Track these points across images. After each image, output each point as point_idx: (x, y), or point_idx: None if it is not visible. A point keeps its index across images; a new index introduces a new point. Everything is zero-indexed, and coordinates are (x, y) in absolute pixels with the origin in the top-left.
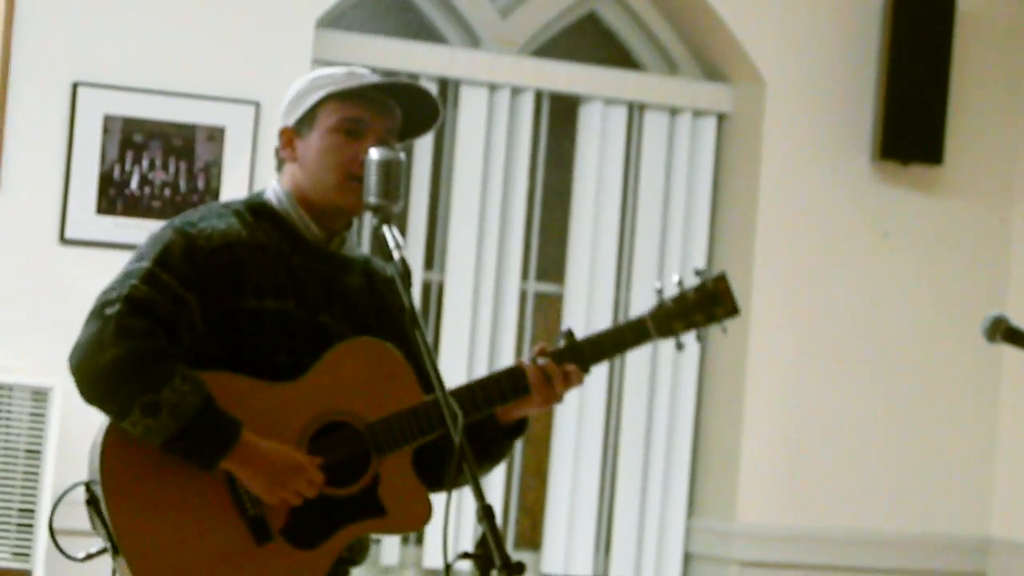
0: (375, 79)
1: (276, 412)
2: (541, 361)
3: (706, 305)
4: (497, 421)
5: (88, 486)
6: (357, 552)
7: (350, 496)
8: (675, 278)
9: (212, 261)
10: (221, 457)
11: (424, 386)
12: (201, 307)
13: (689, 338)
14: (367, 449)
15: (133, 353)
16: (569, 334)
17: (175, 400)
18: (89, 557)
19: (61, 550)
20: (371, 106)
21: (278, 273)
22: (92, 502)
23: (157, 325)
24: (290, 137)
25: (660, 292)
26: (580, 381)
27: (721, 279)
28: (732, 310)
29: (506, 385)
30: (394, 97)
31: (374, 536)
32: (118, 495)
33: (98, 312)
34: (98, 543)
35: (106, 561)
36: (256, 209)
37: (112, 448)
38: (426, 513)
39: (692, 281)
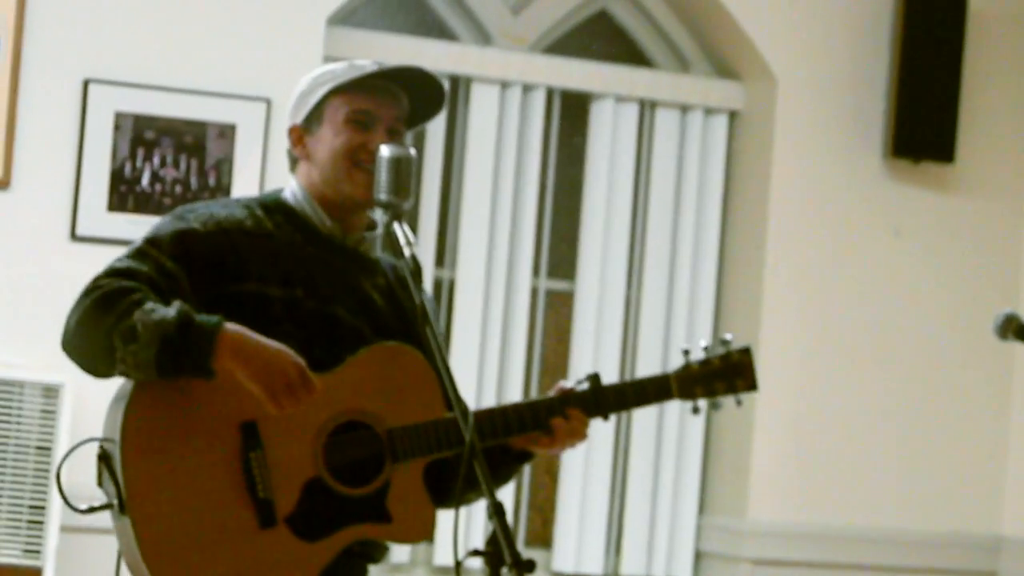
0: (376, 67)
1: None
2: (571, 415)
3: (728, 375)
4: (509, 446)
5: (102, 443)
6: (373, 548)
7: (358, 497)
8: (702, 343)
9: (205, 242)
10: (211, 352)
11: (447, 400)
12: (193, 287)
13: (704, 404)
14: (383, 453)
15: (99, 296)
16: (595, 378)
17: (147, 317)
18: (92, 510)
19: (68, 503)
20: (377, 96)
21: (284, 261)
22: (104, 458)
23: (136, 282)
24: (300, 135)
25: (687, 354)
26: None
27: (746, 352)
28: (751, 385)
29: (529, 421)
30: (398, 84)
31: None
32: (135, 454)
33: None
34: (101, 498)
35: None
36: (268, 205)
37: (137, 409)
38: (428, 528)
39: (718, 349)
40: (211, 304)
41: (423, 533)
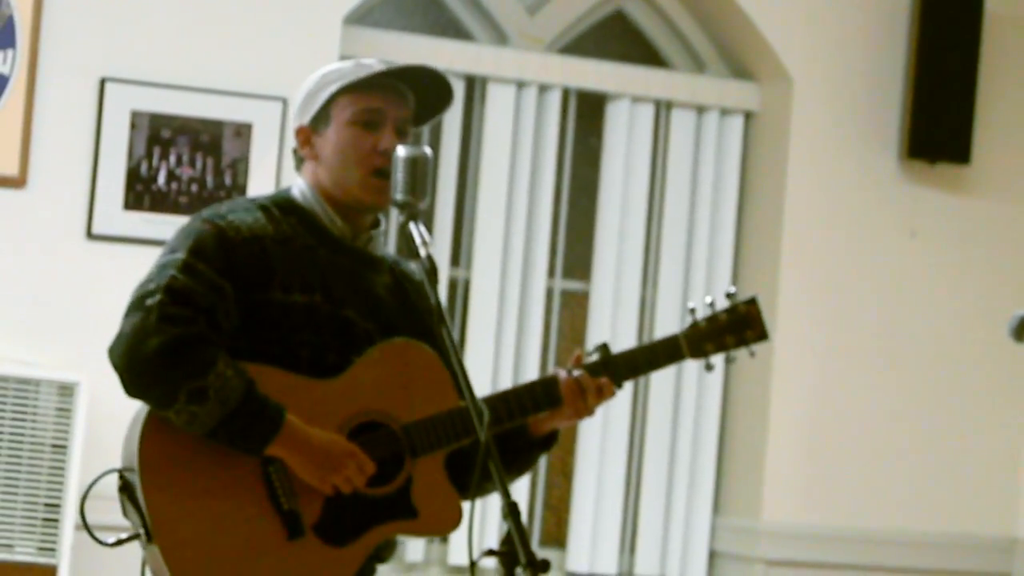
0: (383, 67)
1: (313, 408)
2: (576, 373)
3: (737, 328)
4: (527, 432)
5: (122, 473)
6: (384, 550)
7: (383, 496)
8: (707, 299)
9: (242, 252)
10: (268, 442)
11: (459, 389)
12: (235, 296)
13: (718, 360)
14: (401, 450)
15: (177, 340)
16: (604, 348)
17: (220, 385)
18: (119, 543)
19: (93, 536)
20: (385, 95)
21: (304, 267)
22: (125, 489)
23: (198, 313)
24: (307, 135)
25: (693, 312)
26: (612, 395)
27: (752, 303)
28: (761, 334)
29: (540, 394)
30: (405, 82)
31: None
32: (155, 482)
33: (138, 303)
34: (127, 530)
35: (132, 554)
36: (282, 205)
37: (151, 435)
38: (456, 517)
39: (723, 303)
40: (241, 313)
41: (451, 524)
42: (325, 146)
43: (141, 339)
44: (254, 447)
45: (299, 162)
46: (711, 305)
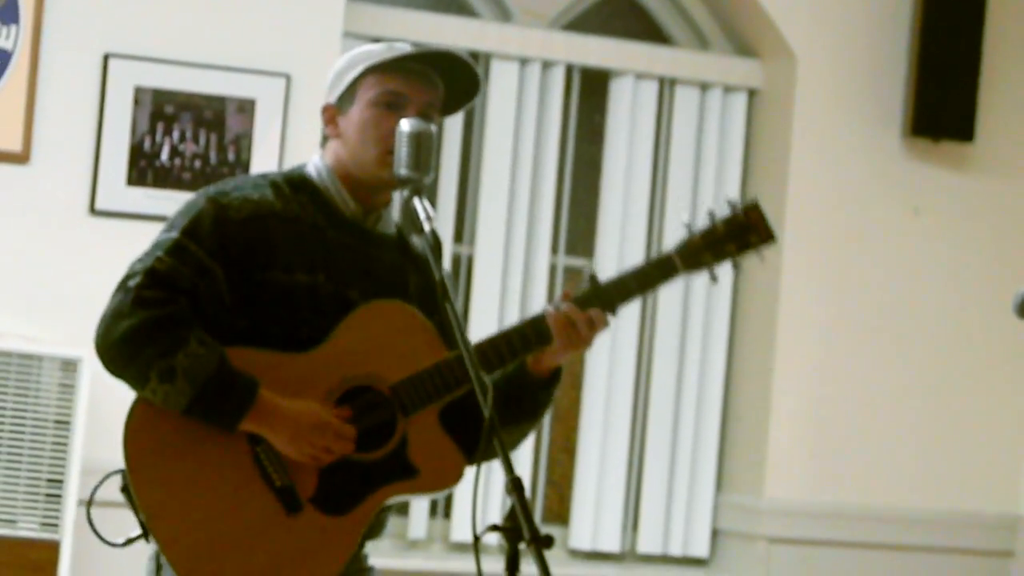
0: (411, 50)
1: (298, 381)
2: (564, 307)
3: (738, 235)
4: (529, 374)
5: (124, 473)
6: (373, 527)
7: (379, 459)
8: (708, 211)
9: (241, 231)
10: (241, 416)
11: (449, 346)
12: (227, 278)
13: (722, 269)
14: (393, 411)
15: (147, 321)
16: (592, 278)
17: (188, 363)
18: (129, 542)
19: (101, 538)
20: (410, 78)
21: (310, 246)
22: (126, 489)
23: (176, 294)
24: (333, 114)
25: (689, 226)
26: (605, 324)
27: (753, 208)
28: (767, 237)
29: (529, 334)
30: (435, 69)
31: (402, 501)
32: (144, 478)
33: (122, 284)
34: (136, 525)
35: (134, 533)
36: (294, 182)
37: (135, 432)
38: (458, 470)
39: (724, 212)
40: (238, 292)
41: (453, 478)
42: (348, 125)
43: (114, 322)
44: (228, 422)
45: (324, 140)
46: (710, 215)
